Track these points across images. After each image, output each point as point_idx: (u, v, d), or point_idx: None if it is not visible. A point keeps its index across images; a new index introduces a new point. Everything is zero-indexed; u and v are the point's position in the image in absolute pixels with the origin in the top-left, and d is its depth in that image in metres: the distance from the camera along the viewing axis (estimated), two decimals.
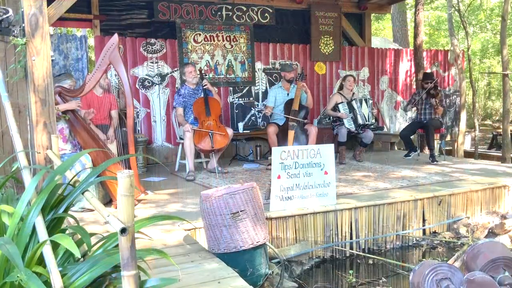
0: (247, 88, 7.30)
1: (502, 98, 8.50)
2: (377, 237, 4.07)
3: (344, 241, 3.93)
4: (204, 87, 5.55)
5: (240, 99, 7.26)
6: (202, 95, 5.56)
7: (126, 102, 4.13)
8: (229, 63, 7.11)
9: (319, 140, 5.82)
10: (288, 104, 5.78)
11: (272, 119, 5.99)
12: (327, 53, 7.84)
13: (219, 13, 6.99)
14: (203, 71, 5.87)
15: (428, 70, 8.69)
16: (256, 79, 7.36)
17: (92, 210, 3.71)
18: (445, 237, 4.28)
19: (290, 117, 5.61)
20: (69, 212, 2.14)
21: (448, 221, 4.39)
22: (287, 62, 7.48)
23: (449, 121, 9.26)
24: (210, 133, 5.36)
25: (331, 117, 6.61)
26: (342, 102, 6.28)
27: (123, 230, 1.40)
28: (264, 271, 3.05)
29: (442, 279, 2.78)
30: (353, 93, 6.55)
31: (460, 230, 4.30)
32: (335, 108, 6.30)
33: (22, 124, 3.24)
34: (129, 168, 4.17)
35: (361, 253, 3.95)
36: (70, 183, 2.17)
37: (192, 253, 2.83)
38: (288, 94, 5.96)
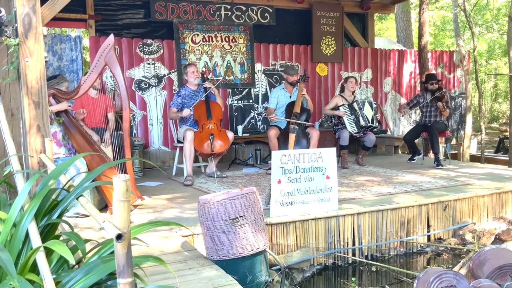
0: (246, 90, 7.22)
1: (509, 100, 8.43)
2: (381, 243, 4.00)
3: (347, 248, 3.87)
4: (206, 87, 5.45)
5: (239, 102, 7.18)
6: (203, 98, 5.48)
7: (122, 105, 4.07)
8: (228, 64, 7.03)
9: (321, 144, 5.75)
10: (290, 106, 5.70)
11: (273, 122, 5.91)
12: (329, 54, 7.77)
13: (217, 13, 6.92)
14: (205, 75, 5.77)
15: (433, 72, 8.62)
16: (256, 80, 7.28)
17: (87, 216, 3.67)
18: (450, 244, 4.21)
19: (292, 120, 5.52)
20: (64, 218, 2.13)
21: (453, 227, 4.32)
22: (289, 63, 7.41)
23: (454, 124, 9.17)
24: (210, 137, 5.27)
25: (332, 120, 6.54)
26: (343, 105, 6.21)
27: (119, 236, 1.40)
28: (264, 278, 3.00)
29: (447, 287, 2.72)
30: (355, 96, 6.47)
31: (466, 237, 4.23)
32: (335, 109, 6.22)
33: (15, 127, 3.19)
34: (125, 172, 4.13)
35: (364, 260, 3.89)
36: (65, 188, 2.17)
37: (190, 260, 2.79)
38: (290, 97, 5.88)
